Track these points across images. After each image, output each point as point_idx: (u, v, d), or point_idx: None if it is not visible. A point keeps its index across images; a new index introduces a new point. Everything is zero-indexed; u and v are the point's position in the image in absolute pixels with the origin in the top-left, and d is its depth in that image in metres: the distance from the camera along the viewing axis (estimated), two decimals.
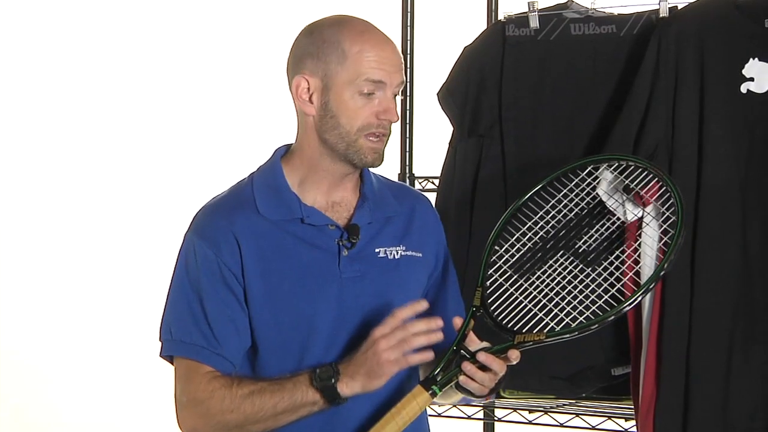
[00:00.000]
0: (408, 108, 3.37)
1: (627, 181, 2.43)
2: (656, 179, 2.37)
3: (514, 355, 2.16)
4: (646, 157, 2.78)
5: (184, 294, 2.24)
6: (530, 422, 3.10)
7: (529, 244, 2.36)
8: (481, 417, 3.24)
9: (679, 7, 2.90)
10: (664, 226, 2.31)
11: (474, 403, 3.12)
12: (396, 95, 2.24)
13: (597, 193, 2.49)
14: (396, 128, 3.32)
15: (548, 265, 2.33)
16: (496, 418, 3.22)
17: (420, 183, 3.37)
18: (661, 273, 2.18)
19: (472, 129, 3.11)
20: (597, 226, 2.42)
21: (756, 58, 2.77)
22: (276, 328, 2.22)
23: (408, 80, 3.36)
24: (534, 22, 3.04)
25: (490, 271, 2.31)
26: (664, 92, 2.81)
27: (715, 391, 2.77)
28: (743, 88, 2.78)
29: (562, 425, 3.06)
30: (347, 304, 2.23)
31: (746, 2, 2.81)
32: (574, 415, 3.05)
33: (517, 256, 2.34)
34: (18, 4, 5.39)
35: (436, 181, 3.22)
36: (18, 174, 5.47)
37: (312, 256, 2.23)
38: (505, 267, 2.33)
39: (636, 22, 2.96)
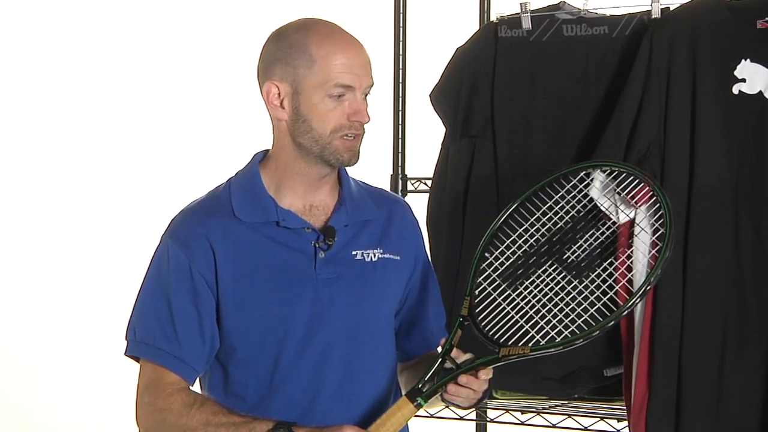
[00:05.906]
0: (400, 109, 3.37)
1: (618, 190, 2.42)
2: (646, 186, 2.36)
3: (484, 375, 2.17)
4: (638, 158, 2.78)
5: (153, 296, 2.26)
6: (523, 423, 3.10)
7: (519, 253, 2.35)
8: (474, 418, 3.24)
9: (671, 9, 2.90)
10: (655, 231, 2.30)
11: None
12: (366, 95, 2.24)
13: (590, 194, 2.48)
14: (388, 129, 3.34)
15: (536, 275, 2.33)
16: (488, 419, 3.23)
17: (412, 184, 3.37)
18: (648, 287, 2.17)
19: (465, 130, 3.10)
20: (586, 236, 2.40)
21: (748, 59, 2.77)
22: (251, 330, 2.23)
23: (400, 81, 3.35)
24: (526, 23, 3.03)
25: (479, 280, 2.31)
26: (656, 93, 2.81)
27: (707, 392, 2.78)
28: (735, 89, 2.77)
29: (554, 426, 3.05)
30: (323, 305, 2.24)
31: (738, 4, 2.81)
32: (566, 416, 3.05)
33: (506, 264, 2.34)
34: (12, 5, 5.38)
35: (429, 182, 3.21)
36: (11, 180, 5.48)
37: (288, 258, 2.24)
38: (494, 276, 2.32)
39: (628, 23, 2.96)
